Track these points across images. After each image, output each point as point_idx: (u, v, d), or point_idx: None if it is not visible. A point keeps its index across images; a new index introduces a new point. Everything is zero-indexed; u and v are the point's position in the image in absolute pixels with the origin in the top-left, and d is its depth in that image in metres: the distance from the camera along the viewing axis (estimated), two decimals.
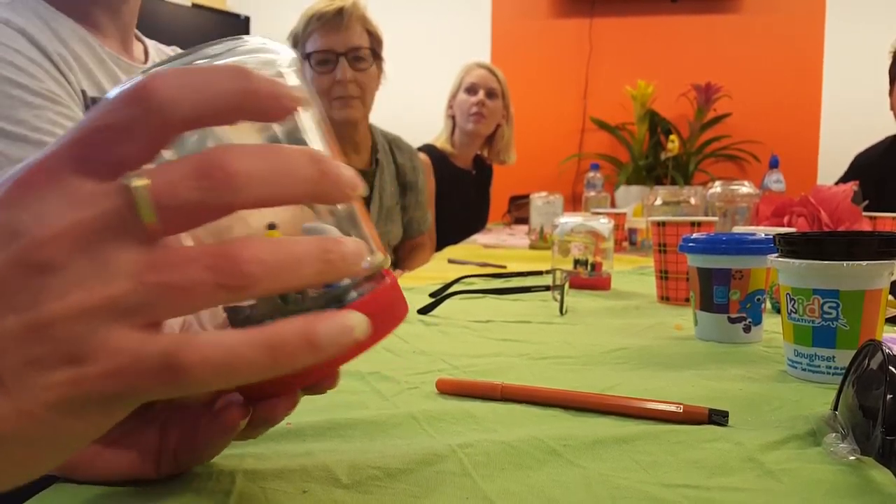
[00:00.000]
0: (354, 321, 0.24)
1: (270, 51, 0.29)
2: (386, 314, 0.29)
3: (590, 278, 1.04)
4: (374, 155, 1.77)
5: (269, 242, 0.23)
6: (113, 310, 0.22)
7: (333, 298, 0.28)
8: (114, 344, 0.22)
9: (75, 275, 0.22)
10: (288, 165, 0.23)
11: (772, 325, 0.69)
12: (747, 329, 0.67)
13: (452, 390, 0.50)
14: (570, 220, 1.10)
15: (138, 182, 0.22)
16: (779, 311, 0.57)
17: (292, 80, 0.28)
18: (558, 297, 0.85)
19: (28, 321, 0.22)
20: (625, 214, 1.73)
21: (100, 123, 0.23)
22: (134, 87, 0.23)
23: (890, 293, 0.59)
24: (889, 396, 0.34)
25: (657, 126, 3.17)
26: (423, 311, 0.83)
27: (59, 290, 0.22)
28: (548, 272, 1.05)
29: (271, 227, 0.28)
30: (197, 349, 0.22)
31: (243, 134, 0.27)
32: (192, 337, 0.22)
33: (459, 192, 2.49)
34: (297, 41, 1.62)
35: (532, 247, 1.73)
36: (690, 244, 0.70)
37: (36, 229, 0.22)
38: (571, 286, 0.96)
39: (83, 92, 0.81)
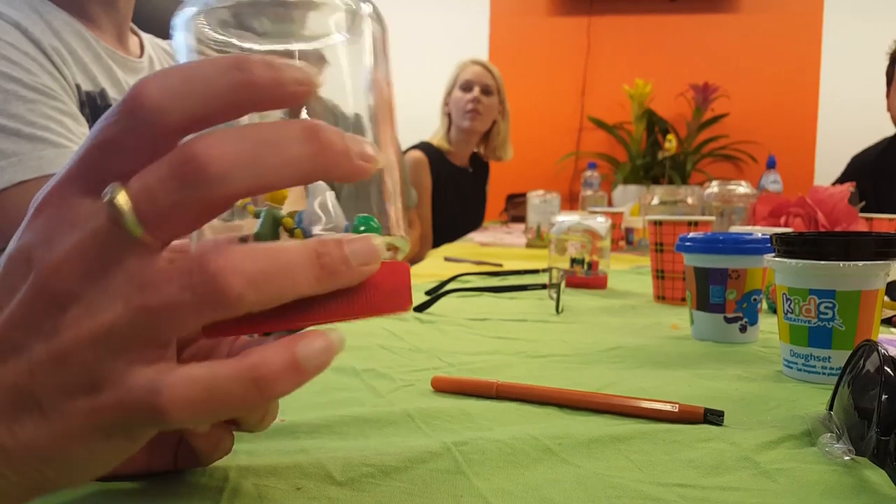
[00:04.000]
0: (334, 339, 0.23)
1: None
2: (388, 293, 0.26)
3: (586, 277, 1.04)
4: None
5: (252, 251, 0.21)
6: (113, 338, 0.22)
7: None
8: (118, 374, 0.22)
9: (86, 300, 0.22)
10: (275, 143, 0.21)
11: (768, 326, 0.69)
12: (743, 329, 0.67)
13: (448, 388, 0.50)
14: (566, 218, 1.10)
15: (117, 194, 0.21)
16: (775, 312, 0.57)
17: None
18: (555, 295, 0.85)
19: (52, 350, 0.22)
20: (622, 213, 1.73)
21: (98, 139, 0.22)
22: (124, 98, 0.22)
23: (886, 294, 0.59)
24: (884, 397, 0.34)
25: (655, 125, 3.17)
26: (420, 308, 0.82)
27: (75, 318, 0.22)
28: (544, 270, 1.05)
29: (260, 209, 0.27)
30: (177, 389, 0.21)
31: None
32: (174, 374, 0.21)
33: (456, 190, 2.49)
34: None
35: (529, 245, 1.73)
36: (687, 243, 0.70)
37: (46, 256, 0.22)
38: (568, 285, 0.96)
39: (77, 86, 0.81)
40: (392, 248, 0.28)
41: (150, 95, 0.21)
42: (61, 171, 0.23)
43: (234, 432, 0.33)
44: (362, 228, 0.27)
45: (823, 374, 0.52)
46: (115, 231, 0.22)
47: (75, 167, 0.23)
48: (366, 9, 0.28)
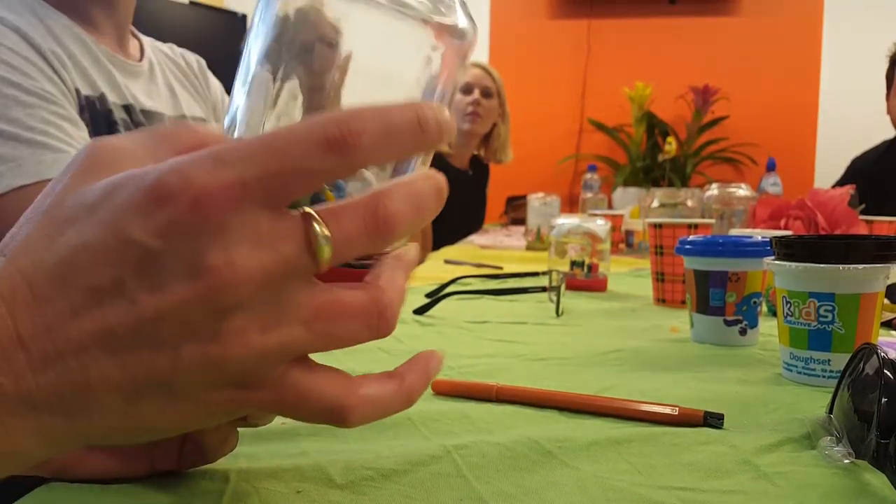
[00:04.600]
0: (439, 355, 0.29)
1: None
2: None
3: (586, 280, 1.04)
4: None
5: (402, 294, 0.27)
6: (284, 352, 0.24)
7: None
8: (280, 381, 0.25)
9: (255, 316, 0.23)
10: (427, 203, 0.26)
11: (768, 329, 0.69)
12: (743, 332, 0.67)
13: (448, 391, 0.50)
14: (566, 221, 1.10)
15: (322, 231, 0.24)
16: (775, 314, 0.57)
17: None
18: (554, 298, 0.85)
19: (205, 353, 0.23)
20: (622, 216, 1.73)
21: (294, 164, 0.23)
22: (331, 135, 0.23)
23: (886, 297, 0.59)
24: (884, 400, 0.34)
25: (655, 128, 3.17)
26: (419, 311, 0.82)
27: (239, 330, 0.23)
28: (544, 273, 1.05)
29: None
30: (364, 410, 0.26)
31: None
32: (358, 392, 0.26)
33: (456, 193, 2.48)
34: None
35: (529, 248, 1.73)
36: (687, 246, 0.70)
37: (226, 270, 0.22)
38: (568, 287, 0.96)
39: (77, 90, 0.81)
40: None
41: (362, 145, 0.24)
42: (225, 173, 0.22)
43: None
44: None
45: (823, 377, 0.52)
46: (302, 259, 0.24)
47: (254, 176, 0.23)
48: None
